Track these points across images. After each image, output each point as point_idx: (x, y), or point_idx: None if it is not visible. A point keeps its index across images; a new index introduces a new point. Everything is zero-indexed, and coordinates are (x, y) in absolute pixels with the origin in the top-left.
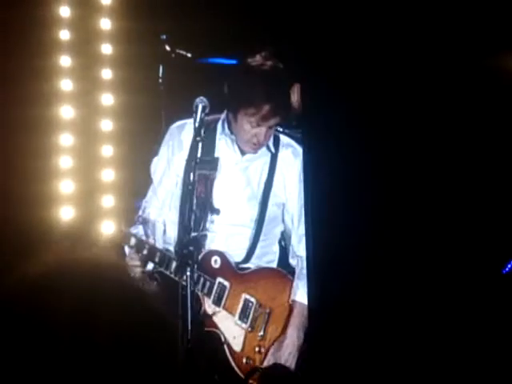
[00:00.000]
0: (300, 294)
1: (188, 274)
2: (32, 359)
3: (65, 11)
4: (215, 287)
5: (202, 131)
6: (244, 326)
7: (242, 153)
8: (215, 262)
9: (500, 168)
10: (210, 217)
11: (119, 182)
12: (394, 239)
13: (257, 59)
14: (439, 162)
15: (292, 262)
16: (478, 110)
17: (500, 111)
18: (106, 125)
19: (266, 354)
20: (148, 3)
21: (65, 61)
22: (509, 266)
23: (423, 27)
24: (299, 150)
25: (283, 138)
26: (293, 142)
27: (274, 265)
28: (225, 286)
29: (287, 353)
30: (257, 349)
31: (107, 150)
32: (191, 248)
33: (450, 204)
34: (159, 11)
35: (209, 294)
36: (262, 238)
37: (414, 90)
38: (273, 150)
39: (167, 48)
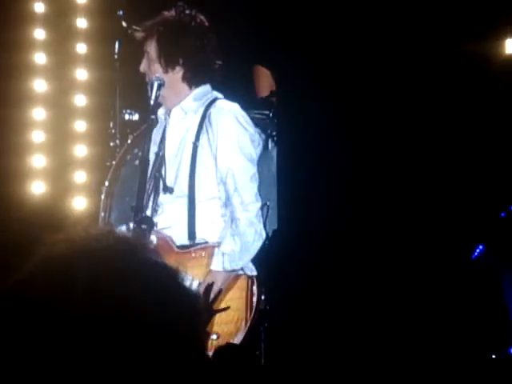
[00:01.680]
0: (215, 262)
1: None
2: (18, 339)
3: (39, 7)
4: None
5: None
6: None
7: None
8: (151, 242)
9: (472, 156)
10: (162, 195)
11: (91, 157)
12: (364, 230)
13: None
14: (412, 154)
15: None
16: (454, 96)
17: (481, 106)
18: (80, 100)
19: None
20: None
21: (39, 34)
22: (477, 251)
23: (401, 16)
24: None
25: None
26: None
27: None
28: None
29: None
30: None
31: (80, 125)
32: (144, 226)
33: (421, 190)
34: None
35: None
36: (198, 212)
37: (389, 82)
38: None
39: (123, 24)
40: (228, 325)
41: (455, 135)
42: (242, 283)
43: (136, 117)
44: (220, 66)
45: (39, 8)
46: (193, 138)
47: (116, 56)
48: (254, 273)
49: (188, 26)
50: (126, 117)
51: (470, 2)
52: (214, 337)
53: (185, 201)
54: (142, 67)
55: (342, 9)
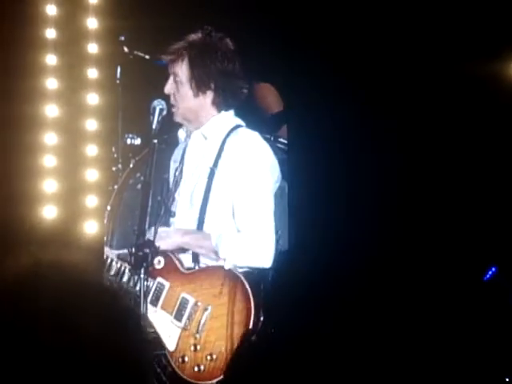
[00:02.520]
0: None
1: (142, 276)
2: (8, 361)
3: (51, 9)
4: (153, 287)
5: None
6: (179, 324)
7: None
8: (158, 262)
9: (485, 170)
10: (165, 218)
11: (103, 181)
12: (377, 241)
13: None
14: (422, 165)
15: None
16: (461, 103)
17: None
18: (91, 124)
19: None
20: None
21: (50, 59)
22: (489, 272)
23: (410, 22)
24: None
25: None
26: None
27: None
28: (163, 286)
29: None
30: (192, 348)
31: (91, 150)
32: (146, 250)
33: (433, 211)
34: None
35: (146, 295)
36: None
37: (401, 100)
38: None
39: (125, 49)
40: (223, 342)
41: (467, 154)
42: (241, 303)
43: (138, 141)
44: (246, 90)
45: (51, 34)
46: (211, 164)
47: (118, 81)
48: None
49: (218, 50)
50: (128, 141)
51: (480, 22)
52: (209, 357)
53: (194, 225)
54: (168, 89)
55: (352, 22)
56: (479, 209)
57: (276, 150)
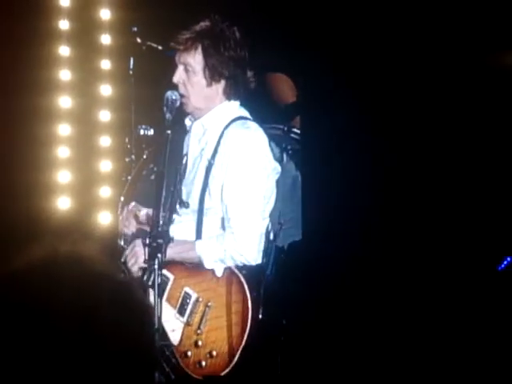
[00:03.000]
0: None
1: (156, 267)
2: (25, 351)
3: (64, 1)
4: (154, 275)
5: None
6: (182, 319)
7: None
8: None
9: (497, 165)
10: (178, 209)
11: (116, 172)
12: (390, 240)
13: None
14: (436, 163)
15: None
16: (477, 106)
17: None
18: (105, 115)
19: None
20: None
21: (64, 50)
22: (505, 262)
23: (423, 25)
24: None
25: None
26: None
27: None
28: (168, 279)
29: None
30: (194, 344)
31: (105, 141)
32: (160, 241)
33: (447, 200)
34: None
35: (153, 287)
36: (204, 228)
37: (414, 90)
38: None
39: (138, 40)
40: (224, 341)
41: (484, 149)
42: (238, 297)
43: (151, 132)
44: (254, 80)
45: (64, 25)
46: (209, 155)
47: (131, 72)
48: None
49: (230, 38)
50: (142, 132)
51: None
52: (209, 355)
53: (194, 217)
54: (177, 78)
55: (368, 13)
56: (496, 200)
57: (289, 141)
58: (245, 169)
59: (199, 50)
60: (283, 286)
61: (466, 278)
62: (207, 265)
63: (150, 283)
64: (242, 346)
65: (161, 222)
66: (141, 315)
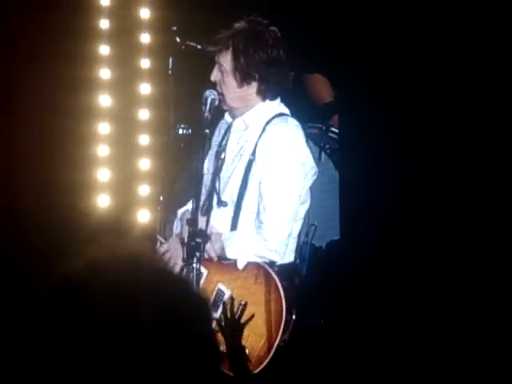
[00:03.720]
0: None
1: (194, 265)
2: (70, 350)
3: (105, 0)
4: (193, 274)
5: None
6: (215, 315)
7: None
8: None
9: None
10: (216, 209)
11: (155, 170)
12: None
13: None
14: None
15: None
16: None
17: None
18: (144, 114)
19: None
20: None
21: (104, 49)
22: None
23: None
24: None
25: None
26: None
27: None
28: (201, 274)
29: None
30: None
31: (144, 139)
32: (198, 240)
33: (486, 201)
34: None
35: (198, 281)
36: (240, 225)
37: (454, 90)
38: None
39: (177, 39)
40: (257, 340)
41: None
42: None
43: (190, 131)
44: (292, 77)
45: (104, 24)
46: (249, 151)
47: (170, 71)
48: (283, 282)
49: (263, 39)
50: (180, 131)
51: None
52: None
53: (230, 212)
54: (214, 77)
55: (401, 16)
56: None
57: (327, 140)
58: (283, 165)
59: (230, 51)
60: (320, 285)
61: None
62: (229, 254)
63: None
64: (275, 346)
65: (199, 221)
66: (183, 312)
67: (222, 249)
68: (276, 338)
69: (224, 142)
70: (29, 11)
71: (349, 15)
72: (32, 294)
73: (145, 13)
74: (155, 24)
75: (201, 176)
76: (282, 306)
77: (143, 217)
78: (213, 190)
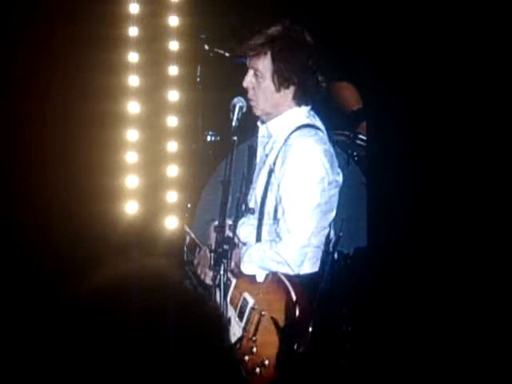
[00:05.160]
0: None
1: (222, 272)
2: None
3: (134, 8)
4: (220, 281)
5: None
6: (240, 324)
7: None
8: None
9: None
10: (244, 216)
11: (183, 177)
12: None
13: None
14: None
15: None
16: None
17: None
18: (172, 121)
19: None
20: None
21: (133, 57)
22: None
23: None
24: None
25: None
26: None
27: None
28: (231, 282)
29: None
30: (251, 350)
31: (172, 146)
32: (226, 247)
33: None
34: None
35: (218, 287)
36: (265, 233)
37: (481, 99)
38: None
39: (206, 47)
40: (274, 351)
41: None
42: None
43: (218, 138)
44: (325, 85)
45: (133, 32)
46: (271, 161)
47: (198, 78)
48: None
49: (300, 43)
50: (208, 138)
51: None
52: (262, 363)
53: (255, 221)
54: (246, 83)
55: (432, 26)
56: None
57: (354, 147)
58: (298, 179)
59: (268, 55)
60: (346, 293)
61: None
62: (245, 270)
63: (216, 288)
64: (293, 356)
65: (227, 228)
66: (210, 322)
67: (238, 263)
68: (294, 347)
69: (252, 150)
70: (58, 20)
71: (379, 23)
72: (61, 299)
73: (173, 20)
74: (184, 31)
75: (228, 184)
76: (300, 317)
77: (171, 223)
78: (240, 197)
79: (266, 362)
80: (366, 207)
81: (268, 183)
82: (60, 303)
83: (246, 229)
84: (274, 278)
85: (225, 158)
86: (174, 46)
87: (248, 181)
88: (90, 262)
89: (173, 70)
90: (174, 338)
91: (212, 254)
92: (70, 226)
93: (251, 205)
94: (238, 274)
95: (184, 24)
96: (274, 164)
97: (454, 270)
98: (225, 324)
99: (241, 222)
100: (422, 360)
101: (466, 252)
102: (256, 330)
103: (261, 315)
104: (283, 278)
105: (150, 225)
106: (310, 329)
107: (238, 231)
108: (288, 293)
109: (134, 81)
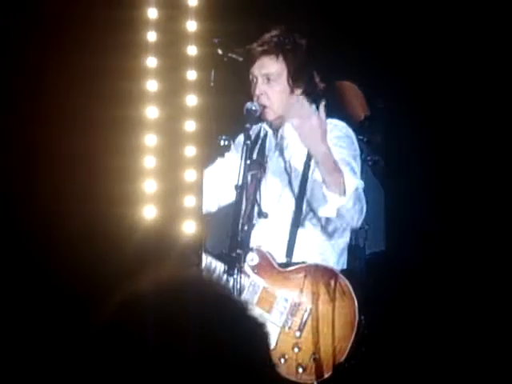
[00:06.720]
0: None
1: (235, 277)
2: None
3: (152, 13)
4: (248, 285)
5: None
6: (278, 323)
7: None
8: (251, 259)
9: None
10: (257, 220)
11: (201, 182)
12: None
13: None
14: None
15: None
16: None
17: None
18: (190, 125)
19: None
20: (236, 5)
21: (151, 62)
22: None
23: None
24: None
25: None
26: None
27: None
28: (258, 283)
29: None
30: (294, 348)
31: (190, 151)
32: (239, 251)
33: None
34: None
35: (240, 293)
36: (301, 229)
37: (492, 107)
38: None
39: (219, 51)
40: (330, 346)
41: None
42: (349, 302)
43: (231, 142)
44: (324, 89)
45: (151, 37)
46: (304, 157)
47: (212, 83)
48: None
49: (305, 46)
50: (222, 143)
51: None
52: (313, 358)
53: (289, 218)
54: (260, 90)
55: (444, 28)
56: None
57: (368, 152)
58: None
59: (280, 58)
60: (374, 292)
61: None
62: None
63: (233, 291)
64: (347, 350)
65: (240, 233)
66: (230, 322)
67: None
68: (348, 342)
69: (265, 153)
70: (77, 26)
71: (392, 25)
72: (77, 304)
73: (192, 25)
74: (202, 36)
75: (242, 188)
76: (354, 310)
77: (189, 228)
78: (254, 200)
79: (317, 356)
80: (384, 212)
81: (305, 179)
82: (77, 308)
83: (259, 233)
84: (313, 271)
85: (238, 162)
86: (192, 50)
87: (260, 184)
88: (108, 267)
89: (191, 75)
90: (193, 342)
91: (224, 259)
92: (89, 230)
93: (264, 209)
94: (277, 269)
95: (202, 29)
96: (310, 158)
97: (470, 274)
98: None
99: (254, 225)
100: (436, 362)
101: (484, 256)
102: (300, 325)
103: (306, 310)
104: (335, 270)
105: (167, 229)
106: (363, 318)
107: (250, 235)
108: (342, 286)
109: (152, 86)
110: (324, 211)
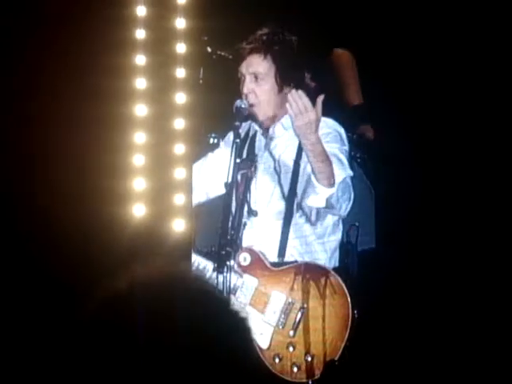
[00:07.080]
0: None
1: (225, 274)
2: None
3: (141, 10)
4: (240, 285)
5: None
6: (272, 322)
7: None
8: (244, 259)
9: None
10: (247, 218)
11: (190, 180)
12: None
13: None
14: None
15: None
16: None
17: None
18: (179, 123)
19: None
20: (225, 3)
21: (140, 59)
22: None
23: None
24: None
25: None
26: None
27: (325, 256)
28: (251, 283)
29: None
30: (288, 347)
31: (179, 148)
32: (229, 249)
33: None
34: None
35: (234, 292)
36: (292, 229)
37: (484, 107)
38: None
39: (208, 49)
40: (324, 344)
41: None
42: (343, 300)
43: (220, 140)
44: (312, 87)
45: (140, 34)
46: (294, 156)
47: (201, 81)
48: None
49: (295, 44)
50: (211, 140)
51: None
52: (309, 358)
53: (280, 218)
54: (246, 90)
55: (436, 28)
56: None
57: (357, 149)
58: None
59: (268, 57)
60: (365, 289)
61: None
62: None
63: (224, 290)
64: (341, 348)
65: (230, 231)
66: (219, 321)
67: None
68: (342, 340)
69: (254, 151)
70: (64, 23)
71: (380, 24)
72: (68, 302)
73: (180, 23)
74: (191, 34)
75: (231, 185)
76: (347, 308)
77: (178, 226)
78: (244, 199)
79: (311, 355)
80: (374, 210)
81: (295, 178)
82: (67, 305)
83: (251, 232)
84: (305, 270)
85: (227, 160)
86: (181, 48)
87: (250, 183)
88: (97, 264)
89: (180, 73)
90: (180, 339)
91: (213, 256)
92: (77, 228)
93: (253, 207)
94: (269, 268)
95: (191, 27)
96: (300, 158)
97: (460, 271)
98: (248, 327)
99: (248, 225)
100: (429, 357)
101: (474, 252)
102: (294, 324)
103: (300, 308)
104: (328, 268)
105: (157, 227)
106: (356, 314)
107: (241, 233)
108: (335, 284)
109: (141, 83)
110: (313, 201)
